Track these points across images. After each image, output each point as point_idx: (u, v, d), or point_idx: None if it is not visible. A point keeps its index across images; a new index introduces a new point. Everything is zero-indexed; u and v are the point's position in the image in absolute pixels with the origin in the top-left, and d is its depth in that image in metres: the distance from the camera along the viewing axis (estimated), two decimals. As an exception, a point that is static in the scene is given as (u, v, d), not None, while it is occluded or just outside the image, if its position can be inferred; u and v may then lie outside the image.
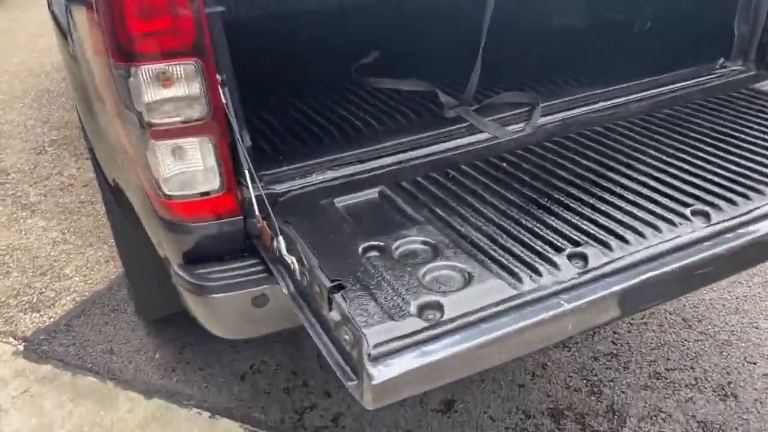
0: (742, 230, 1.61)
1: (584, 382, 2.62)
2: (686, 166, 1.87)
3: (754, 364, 2.66)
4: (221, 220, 1.75)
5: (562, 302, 1.37)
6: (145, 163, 1.67)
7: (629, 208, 1.69)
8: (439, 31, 3.08)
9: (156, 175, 1.67)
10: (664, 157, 1.92)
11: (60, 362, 2.77)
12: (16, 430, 2.47)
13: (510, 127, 2.16)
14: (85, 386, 2.65)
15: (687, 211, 1.66)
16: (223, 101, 1.63)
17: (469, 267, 1.47)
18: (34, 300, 3.15)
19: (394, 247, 1.55)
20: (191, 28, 1.53)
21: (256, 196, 1.66)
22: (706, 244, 1.56)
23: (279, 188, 1.88)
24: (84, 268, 3.37)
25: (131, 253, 2.52)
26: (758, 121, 2.18)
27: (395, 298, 1.37)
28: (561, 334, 1.39)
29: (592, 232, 1.60)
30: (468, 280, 1.44)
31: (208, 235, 1.76)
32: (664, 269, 1.48)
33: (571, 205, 1.71)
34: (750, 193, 1.75)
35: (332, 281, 1.40)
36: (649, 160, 1.91)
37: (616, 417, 2.48)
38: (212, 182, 1.71)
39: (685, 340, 2.81)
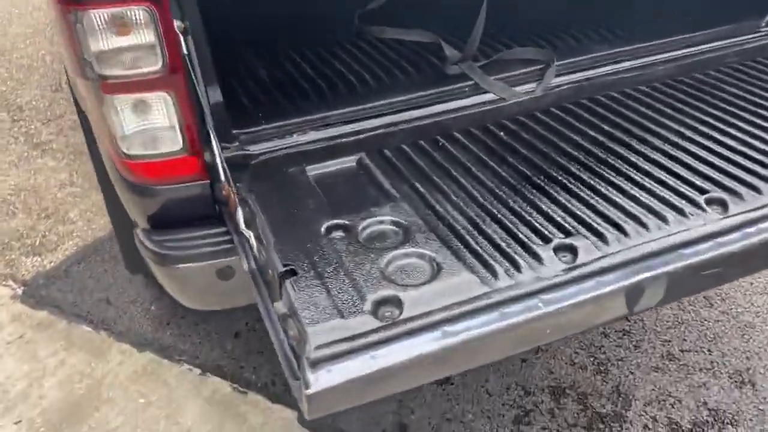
0: (763, 224, 1.38)
1: (591, 359, 2.47)
2: (710, 144, 1.63)
3: (778, 350, 2.48)
4: (186, 184, 1.62)
5: (540, 304, 1.20)
6: (102, 119, 1.55)
7: (635, 192, 1.48)
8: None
9: (113, 132, 1.55)
10: (685, 132, 1.68)
11: (56, 309, 2.76)
12: (8, 377, 2.47)
13: (518, 88, 1.94)
14: (79, 335, 2.63)
15: (701, 199, 1.44)
16: (184, 52, 1.47)
17: (439, 256, 1.31)
18: (37, 243, 3.13)
19: (361, 227, 1.39)
20: None
21: (220, 161, 1.52)
22: (719, 239, 1.34)
23: (254, 149, 1.72)
24: (88, 212, 3.33)
25: (115, 209, 2.43)
26: (804, 91, 1.90)
27: (350, 290, 1.22)
28: (536, 339, 1.23)
29: (587, 220, 1.40)
30: (436, 271, 1.27)
31: (173, 198, 1.63)
32: (665, 269, 1.28)
33: (569, 185, 1.51)
34: (780, 180, 1.51)
35: (284, 266, 1.26)
36: (668, 135, 1.67)
37: (621, 399, 2.34)
38: (174, 143, 1.57)
39: (705, 320, 2.62)
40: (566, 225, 1.39)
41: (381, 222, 1.41)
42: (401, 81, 2.00)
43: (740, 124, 1.73)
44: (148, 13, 1.40)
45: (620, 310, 1.28)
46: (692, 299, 2.71)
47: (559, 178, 1.54)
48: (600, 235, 1.36)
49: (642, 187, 1.50)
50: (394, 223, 1.41)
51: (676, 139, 1.66)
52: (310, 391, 1.05)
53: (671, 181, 1.52)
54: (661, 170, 1.55)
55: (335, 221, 1.41)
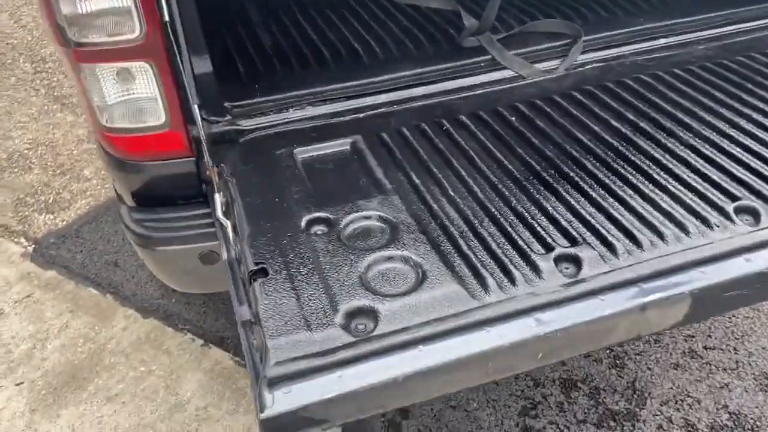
0: (799, 240, 1.21)
1: (607, 352, 2.36)
2: (747, 141, 1.43)
3: (812, 354, 2.31)
4: (170, 161, 1.52)
5: (533, 323, 1.07)
6: (81, 88, 1.45)
7: (654, 195, 1.31)
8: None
9: (92, 103, 1.45)
10: (720, 126, 1.48)
11: (65, 269, 2.75)
12: (13, 336, 2.48)
13: (539, 65, 1.76)
14: (86, 297, 2.62)
15: (730, 207, 1.27)
16: (165, 19, 1.34)
17: (426, 262, 1.18)
18: (50, 200, 3.12)
19: (344, 222, 1.27)
20: None
21: (203, 139, 1.41)
22: (746, 255, 1.18)
23: (247, 124, 1.61)
24: (103, 171, 3.28)
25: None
26: None
27: (323, 297, 1.11)
28: (526, 363, 1.10)
29: (596, 225, 1.25)
30: (420, 280, 1.15)
31: (157, 176, 1.54)
32: (681, 289, 1.12)
33: (581, 184, 1.35)
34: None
35: (256, 264, 1.16)
36: (700, 129, 1.48)
37: (636, 396, 2.23)
38: (156, 116, 1.47)
39: (733, 316, 2.47)
40: (572, 231, 1.24)
41: (367, 218, 1.28)
42: (411, 52, 1.84)
43: (786, 118, 1.53)
44: None
45: (625, 334, 1.14)
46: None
47: (571, 174, 1.38)
48: (609, 245, 1.21)
49: (664, 190, 1.33)
50: (381, 219, 1.28)
51: (708, 133, 1.47)
52: (263, 415, 0.95)
53: (698, 183, 1.34)
54: (687, 170, 1.38)
55: (317, 214, 1.30)
